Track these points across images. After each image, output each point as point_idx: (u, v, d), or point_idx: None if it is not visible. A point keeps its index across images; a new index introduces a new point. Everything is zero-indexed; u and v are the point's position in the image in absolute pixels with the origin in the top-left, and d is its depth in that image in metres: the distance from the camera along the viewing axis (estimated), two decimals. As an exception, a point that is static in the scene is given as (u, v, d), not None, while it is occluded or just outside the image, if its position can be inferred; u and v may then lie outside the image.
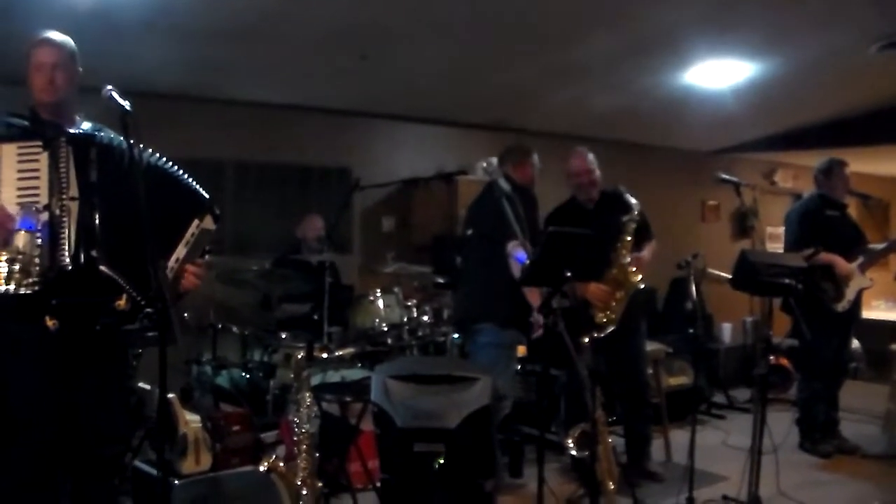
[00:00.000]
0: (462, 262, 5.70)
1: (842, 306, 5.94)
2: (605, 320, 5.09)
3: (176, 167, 3.42)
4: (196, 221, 3.39)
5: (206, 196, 3.47)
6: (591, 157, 5.41)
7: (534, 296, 5.02)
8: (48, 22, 3.41)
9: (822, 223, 6.06)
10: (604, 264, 5.11)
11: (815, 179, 6.32)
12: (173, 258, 3.31)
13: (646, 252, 5.34)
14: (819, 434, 6.22)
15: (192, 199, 3.44)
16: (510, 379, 5.40)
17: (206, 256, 3.52)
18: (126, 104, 2.94)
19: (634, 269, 5.12)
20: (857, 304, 6.11)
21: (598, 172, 5.40)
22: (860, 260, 6.04)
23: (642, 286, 5.13)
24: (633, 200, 5.15)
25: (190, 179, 3.46)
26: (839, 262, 5.90)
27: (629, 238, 5.13)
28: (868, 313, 10.40)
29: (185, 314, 5.76)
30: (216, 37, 5.53)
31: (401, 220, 8.06)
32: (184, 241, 3.34)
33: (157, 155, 3.36)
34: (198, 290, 3.45)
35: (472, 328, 5.40)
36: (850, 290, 5.97)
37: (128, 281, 3.17)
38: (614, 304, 5.12)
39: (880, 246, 6.35)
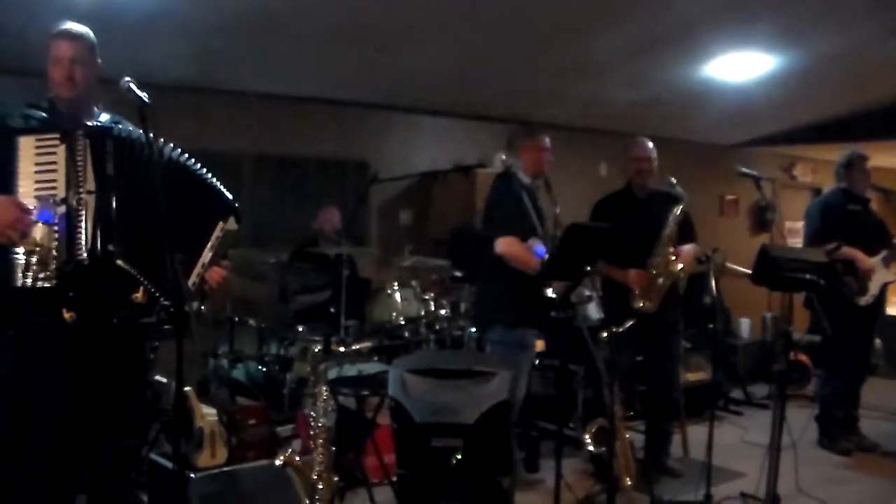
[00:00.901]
0: (474, 258, 5.68)
1: (865, 300, 5.89)
2: (644, 304, 5.10)
3: (198, 165, 3.40)
4: (220, 224, 3.39)
5: (230, 197, 3.46)
6: (651, 145, 5.50)
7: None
8: (58, 15, 3.38)
9: (844, 217, 6.00)
10: (647, 252, 5.14)
11: (836, 174, 6.26)
12: (199, 264, 3.33)
13: (687, 247, 5.40)
14: (838, 431, 6.18)
15: (217, 201, 3.44)
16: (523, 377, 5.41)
17: (228, 254, 3.54)
18: (144, 96, 2.93)
19: (675, 258, 5.14)
20: (881, 299, 6.07)
21: (656, 163, 5.49)
22: (884, 254, 5.97)
23: (683, 275, 5.15)
24: (681, 192, 5.26)
25: (213, 179, 3.44)
26: (860, 256, 5.85)
27: (673, 227, 5.21)
28: (888, 310, 10.35)
29: (203, 307, 5.77)
30: (232, 29, 5.53)
31: (419, 214, 8.05)
32: (209, 246, 3.36)
33: (178, 150, 3.34)
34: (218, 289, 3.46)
35: (485, 327, 5.42)
36: (874, 284, 5.91)
37: (145, 274, 3.18)
38: (654, 290, 5.14)
39: None
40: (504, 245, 4.88)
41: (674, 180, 5.39)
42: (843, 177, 6.19)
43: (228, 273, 3.60)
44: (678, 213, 5.22)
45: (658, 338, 5.29)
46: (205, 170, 3.41)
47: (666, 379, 5.52)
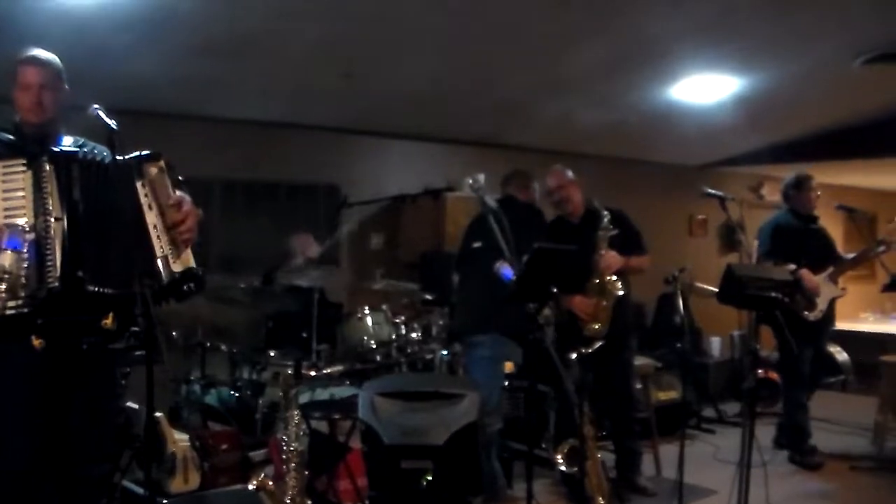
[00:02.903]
0: (463, 274, 5.77)
1: (814, 315, 6.05)
2: (594, 329, 5.10)
3: (104, 151, 3.20)
4: (140, 183, 3.22)
5: (134, 154, 3.22)
6: (567, 173, 5.53)
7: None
8: (34, 39, 3.40)
9: (793, 237, 6.23)
10: (585, 277, 5.16)
11: (784, 195, 6.53)
12: (151, 229, 3.20)
13: (633, 259, 5.37)
14: (808, 445, 6.27)
15: (125, 170, 3.18)
16: (501, 393, 5.47)
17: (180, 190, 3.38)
18: (112, 123, 2.94)
19: (615, 278, 5.14)
20: (829, 314, 6.24)
21: (575, 188, 5.49)
22: (829, 270, 6.18)
23: (622, 292, 5.15)
24: (603, 211, 5.20)
25: (115, 154, 3.13)
26: (807, 276, 6.00)
27: (604, 246, 5.17)
28: (856, 326, 10.50)
29: (174, 333, 5.76)
30: (202, 55, 5.53)
31: (389, 237, 8.06)
32: (146, 209, 3.21)
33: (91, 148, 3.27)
34: (196, 228, 3.35)
35: (470, 340, 5.48)
36: (822, 299, 6.09)
37: (114, 299, 3.17)
38: (600, 314, 5.14)
39: (850, 256, 6.50)
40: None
41: (597, 202, 5.40)
42: (792, 197, 6.44)
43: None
44: (602, 230, 5.18)
45: (609, 358, 5.21)
46: (105, 150, 3.17)
47: (622, 397, 5.55)
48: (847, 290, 6.47)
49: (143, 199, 3.22)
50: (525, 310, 4.44)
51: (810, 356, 6.22)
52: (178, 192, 3.35)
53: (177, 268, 3.25)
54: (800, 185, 6.40)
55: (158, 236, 3.22)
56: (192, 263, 3.28)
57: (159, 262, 3.22)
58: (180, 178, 3.43)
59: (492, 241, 4.45)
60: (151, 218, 3.22)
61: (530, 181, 5.74)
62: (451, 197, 7.60)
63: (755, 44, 6.13)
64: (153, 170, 3.29)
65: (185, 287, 3.31)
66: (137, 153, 3.23)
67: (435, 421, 4.01)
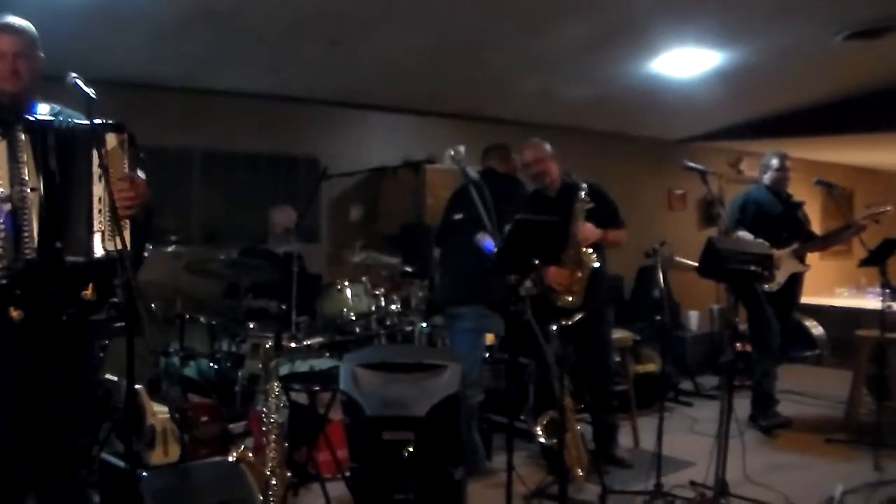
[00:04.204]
0: (444, 247, 5.78)
1: (770, 287, 6.16)
2: (568, 301, 5.09)
3: (81, 119, 3.14)
4: (94, 153, 3.11)
5: (98, 121, 3.08)
6: (546, 147, 5.49)
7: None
8: (14, 9, 3.34)
9: (760, 211, 6.38)
10: (560, 248, 5.15)
11: (760, 171, 6.68)
12: (95, 199, 3.15)
13: (610, 233, 5.36)
14: (773, 412, 6.47)
15: (83, 137, 3.14)
16: (482, 365, 5.52)
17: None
18: (91, 92, 2.91)
19: (590, 250, 5.13)
20: (792, 288, 6.39)
21: (552, 162, 5.47)
22: (794, 246, 6.32)
23: (597, 265, 5.14)
24: (581, 183, 5.19)
25: (78, 121, 3.16)
26: None
27: (581, 219, 5.15)
28: (831, 300, 10.59)
29: (153, 305, 5.74)
30: (184, 25, 5.49)
31: (369, 209, 8.04)
32: (95, 178, 3.14)
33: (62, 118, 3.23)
34: (139, 206, 3.23)
35: (451, 312, 5.50)
36: (781, 273, 6.24)
37: (93, 269, 3.15)
38: (574, 285, 5.14)
39: (819, 237, 6.73)
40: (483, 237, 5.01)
41: (573, 175, 5.42)
42: (766, 174, 6.60)
43: (145, 192, 3.25)
44: (580, 203, 5.14)
45: (587, 331, 5.20)
46: (82, 119, 3.11)
47: (599, 371, 5.56)
48: (811, 266, 6.60)
49: (94, 168, 3.15)
50: (506, 281, 4.46)
51: (779, 328, 6.35)
52: (133, 172, 3.25)
53: (108, 246, 3.17)
54: (774, 163, 6.55)
55: (100, 210, 3.16)
56: (125, 246, 2.99)
57: (95, 236, 3.17)
58: (142, 155, 3.33)
59: (473, 212, 4.44)
60: (98, 190, 3.15)
61: (511, 153, 5.74)
62: (431, 169, 7.58)
63: (737, 18, 6.13)
64: (113, 141, 3.20)
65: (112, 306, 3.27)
66: (101, 121, 3.12)
67: (417, 392, 4.00)
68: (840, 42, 6.54)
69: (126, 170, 3.21)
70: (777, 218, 6.42)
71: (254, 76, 6.88)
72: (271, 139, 7.45)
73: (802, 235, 6.48)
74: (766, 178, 6.58)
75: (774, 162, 6.56)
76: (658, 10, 5.89)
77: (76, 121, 3.15)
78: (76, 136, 3.13)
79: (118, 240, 2.90)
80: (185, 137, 6.87)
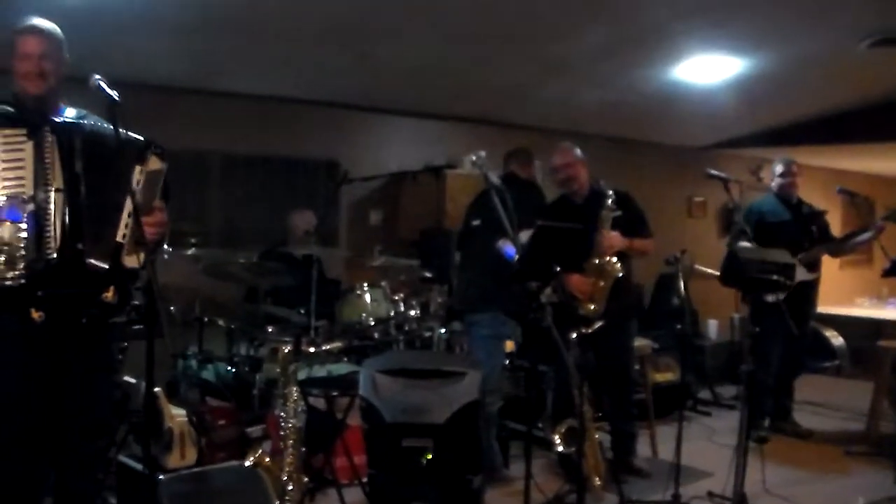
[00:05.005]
0: (464, 253, 5.79)
1: (772, 298, 6.03)
2: (590, 309, 5.07)
3: (107, 125, 3.18)
4: (138, 168, 3.22)
5: (141, 139, 3.27)
6: (576, 152, 5.47)
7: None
8: (38, 10, 3.35)
9: (761, 221, 6.33)
10: (584, 256, 5.14)
11: (772, 179, 6.68)
12: (124, 214, 3.18)
13: (636, 241, 5.33)
14: (760, 420, 6.40)
15: (128, 148, 3.22)
16: (501, 372, 5.50)
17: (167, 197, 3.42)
18: (114, 94, 2.91)
19: (615, 259, 5.11)
20: (804, 297, 6.24)
21: (581, 167, 5.44)
22: (800, 255, 6.18)
23: (620, 274, 5.12)
24: (608, 191, 5.17)
25: (124, 132, 3.18)
26: None
27: (607, 227, 5.13)
28: (852, 311, 10.51)
29: (172, 307, 5.74)
30: (206, 28, 5.49)
31: (388, 214, 8.03)
32: (130, 192, 3.16)
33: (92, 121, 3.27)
34: (162, 236, 3.36)
35: (470, 319, 5.52)
36: None
37: (114, 271, 3.15)
38: (597, 294, 5.12)
39: (828, 244, 6.58)
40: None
41: (601, 182, 5.35)
42: (773, 181, 6.63)
43: (166, 220, 3.36)
44: (606, 211, 5.14)
45: (609, 340, 5.19)
46: (108, 124, 3.14)
47: (620, 380, 5.53)
48: (819, 274, 6.51)
49: (133, 184, 3.19)
50: (526, 288, 4.44)
51: (784, 338, 6.16)
52: (162, 203, 3.35)
53: (128, 262, 3.22)
54: (779, 169, 6.58)
55: (126, 224, 3.19)
56: (137, 265, 3.22)
57: (121, 249, 3.20)
58: (169, 189, 3.42)
59: (491, 218, 4.42)
60: (129, 204, 3.17)
61: (532, 159, 5.73)
62: (452, 174, 7.56)
63: (759, 25, 6.09)
64: (156, 163, 3.29)
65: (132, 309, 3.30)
66: (146, 139, 3.24)
67: (437, 399, 4.00)
68: (865, 49, 6.48)
69: (157, 196, 3.30)
70: (783, 225, 6.37)
71: (274, 80, 6.88)
72: (291, 142, 7.44)
73: (809, 243, 6.39)
74: (774, 184, 6.60)
75: (780, 168, 6.58)
76: (680, 17, 5.86)
77: (125, 132, 3.15)
78: (107, 143, 3.12)
79: (137, 257, 3.01)
80: (205, 140, 6.86)
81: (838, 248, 6.64)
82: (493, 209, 4.27)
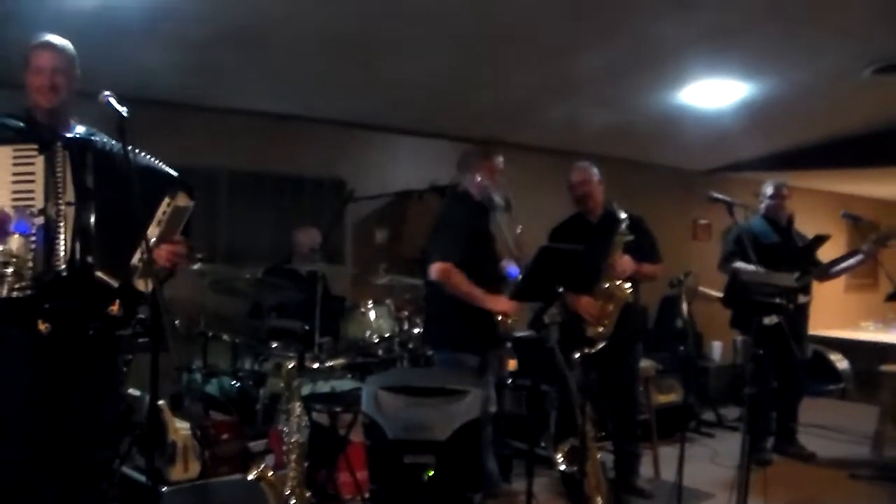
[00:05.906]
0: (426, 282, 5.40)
1: (768, 321, 6.01)
2: (598, 332, 5.09)
3: (144, 153, 3.37)
4: (167, 200, 3.35)
5: (175, 174, 3.44)
6: (593, 171, 5.50)
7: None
8: (47, 26, 3.40)
9: (756, 244, 6.19)
10: (595, 278, 5.14)
11: (760, 202, 6.71)
12: (144, 239, 3.16)
13: (645, 266, 5.35)
14: (763, 442, 6.40)
15: (160, 179, 3.39)
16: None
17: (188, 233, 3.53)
18: (123, 110, 2.96)
19: (627, 284, 5.13)
20: (796, 320, 6.19)
21: (598, 187, 5.47)
22: (795, 276, 6.12)
23: (632, 299, 5.14)
24: (621, 214, 5.19)
25: (158, 162, 3.43)
26: None
27: (619, 251, 5.15)
28: (857, 334, 10.50)
29: (177, 321, 5.76)
30: (213, 45, 5.53)
31: (394, 233, 8.05)
32: (155, 221, 3.30)
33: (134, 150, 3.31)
34: (177, 269, 3.42)
35: (434, 347, 5.40)
36: None
37: (122, 286, 3.19)
38: (605, 317, 5.13)
39: (821, 266, 6.55)
40: (437, 271, 4.81)
41: (615, 204, 5.36)
42: (766, 205, 6.66)
43: (186, 254, 3.50)
44: (619, 235, 5.16)
45: (615, 362, 5.20)
46: (144, 153, 3.37)
47: (624, 401, 5.53)
48: (811, 297, 6.52)
49: (159, 214, 3.31)
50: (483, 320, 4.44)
51: (782, 360, 6.18)
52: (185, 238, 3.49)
53: (138, 284, 3.28)
54: (768, 191, 6.64)
55: (143, 250, 3.20)
56: (145, 290, 3.27)
57: (133, 270, 3.26)
58: (191, 226, 3.57)
59: (450, 240, 4.37)
60: (152, 231, 3.28)
61: (485, 161, 5.30)
62: (457, 194, 7.57)
63: (765, 50, 6.12)
64: (184, 200, 3.42)
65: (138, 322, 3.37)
66: (178, 176, 3.43)
67: (439, 416, 4.01)
68: (869, 75, 6.52)
69: (179, 232, 3.42)
70: (771, 247, 6.35)
71: (281, 98, 6.91)
72: (298, 160, 7.47)
73: (801, 265, 6.35)
74: (762, 206, 6.64)
75: (770, 190, 6.62)
76: (685, 41, 5.89)
77: (149, 158, 3.36)
78: (118, 161, 3.14)
79: (145, 282, 3.11)
80: (212, 157, 6.89)
81: (822, 272, 6.56)
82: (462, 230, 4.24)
